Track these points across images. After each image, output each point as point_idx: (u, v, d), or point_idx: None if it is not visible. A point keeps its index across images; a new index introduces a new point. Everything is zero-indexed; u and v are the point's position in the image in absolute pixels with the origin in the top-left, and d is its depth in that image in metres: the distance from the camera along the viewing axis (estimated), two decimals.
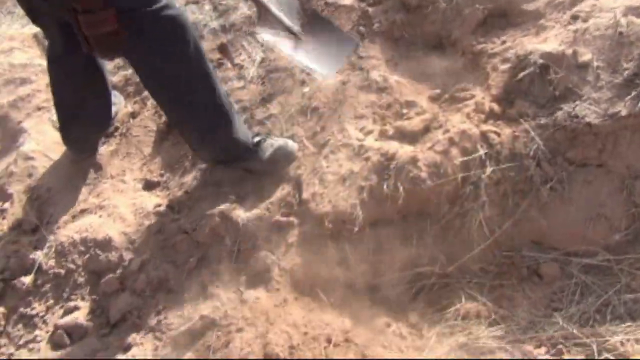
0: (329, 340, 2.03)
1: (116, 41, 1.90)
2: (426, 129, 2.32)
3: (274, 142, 2.46)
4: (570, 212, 2.16)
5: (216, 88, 2.27)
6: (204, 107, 2.26)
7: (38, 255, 2.41)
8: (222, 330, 2.10)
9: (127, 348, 2.17)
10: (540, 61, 2.25)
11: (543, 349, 1.96)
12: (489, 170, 2.14)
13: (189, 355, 2.07)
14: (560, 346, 1.94)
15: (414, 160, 2.20)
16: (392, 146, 2.30)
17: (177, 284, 2.28)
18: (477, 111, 2.27)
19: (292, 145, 2.47)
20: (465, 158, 2.17)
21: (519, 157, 2.16)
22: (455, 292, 2.13)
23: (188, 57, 2.14)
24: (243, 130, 2.41)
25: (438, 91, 2.51)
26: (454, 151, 2.18)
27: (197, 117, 2.27)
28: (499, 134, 2.19)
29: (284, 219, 2.30)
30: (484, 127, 2.21)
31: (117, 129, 2.78)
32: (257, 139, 2.45)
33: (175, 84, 2.19)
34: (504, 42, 2.47)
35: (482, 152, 2.16)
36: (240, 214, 2.35)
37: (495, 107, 2.27)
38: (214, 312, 2.15)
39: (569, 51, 2.23)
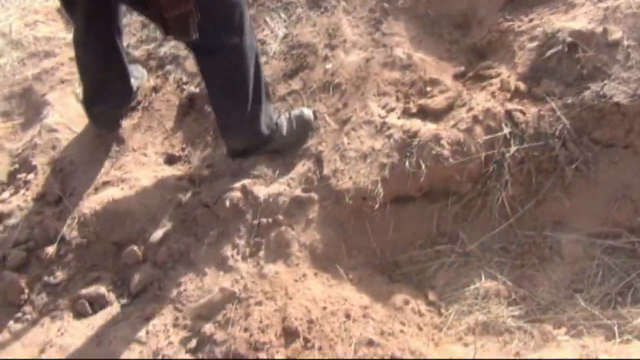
0: (347, 316, 2.04)
1: (191, 21, 1.93)
2: (450, 107, 2.30)
3: (289, 116, 2.46)
4: (594, 193, 2.13)
5: (262, 77, 2.29)
6: (252, 94, 2.27)
7: (61, 226, 2.44)
8: (242, 304, 2.11)
9: (147, 318, 2.20)
10: (569, 39, 2.21)
11: (563, 330, 1.95)
12: (513, 149, 2.12)
13: (208, 326, 2.09)
14: (580, 327, 1.93)
15: (437, 138, 2.18)
16: (415, 124, 2.28)
17: (198, 256, 2.30)
18: (503, 89, 2.24)
19: (307, 113, 2.46)
20: (489, 136, 2.14)
21: (544, 136, 2.13)
22: (475, 270, 2.12)
23: (246, 43, 2.16)
24: (270, 115, 2.42)
25: (462, 69, 2.48)
26: (478, 129, 2.16)
27: (244, 103, 2.27)
28: (524, 113, 2.16)
29: (305, 194, 2.31)
30: (509, 106, 2.18)
31: (139, 102, 2.79)
32: (273, 119, 2.45)
33: (233, 67, 2.20)
34: (531, 20, 2.43)
35: (506, 130, 2.13)
36: (261, 189, 2.36)
37: (521, 85, 2.24)
38: (233, 285, 2.17)
39: (599, 29, 2.18)
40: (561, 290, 2.07)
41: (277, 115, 2.46)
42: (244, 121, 2.32)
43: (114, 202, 2.44)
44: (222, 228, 2.33)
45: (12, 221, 2.50)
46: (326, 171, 2.33)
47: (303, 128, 2.46)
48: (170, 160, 2.65)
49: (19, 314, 2.29)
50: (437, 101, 2.33)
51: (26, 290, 2.33)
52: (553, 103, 2.16)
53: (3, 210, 2.54)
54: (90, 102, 2.56)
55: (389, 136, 2.28)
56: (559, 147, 2.12)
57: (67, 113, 2.81)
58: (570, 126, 2.12)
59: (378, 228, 2.22)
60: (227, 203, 2.31)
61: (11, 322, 2.27)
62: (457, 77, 2.46)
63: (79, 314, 2.26)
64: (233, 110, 2.31)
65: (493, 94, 2.24)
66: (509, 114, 2.16)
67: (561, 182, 2.15)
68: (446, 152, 2.15)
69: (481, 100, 2.23)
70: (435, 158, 2.16)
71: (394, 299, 2.11)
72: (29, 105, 2.95)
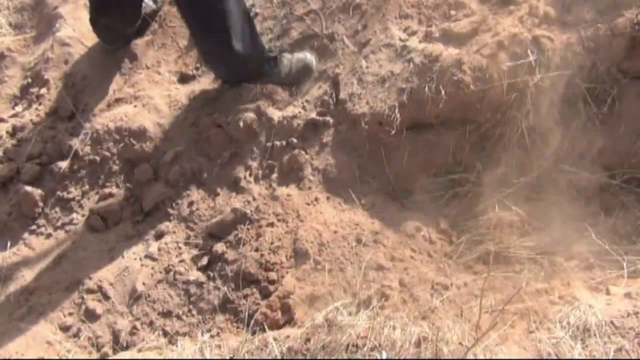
0: (358, 240, 2.04)
1: None
2: (474, 32, 2.20)
3: (291, 57, 2.40)
4: (618, 127, 2.07)
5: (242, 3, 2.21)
6: (232, 14, 2.17)
7: (74, 142, 2.43)
8: (253, 224, 2.12)
9: (159, 236, 2.23)
10: None
11: (573, 262, 1.94)
12: (537, 77, 2.04)
13: (219, 245, 2.11)
14: (591, 260, 1.92)
15: (458, 64, 2.11)
16: (437, 48, 2.20)
17: (210, 176, 2.29)
18: (531, 15, 2.14)
19: (310, 58, 2.40)
20: (514, 63, 2.06)
21: (571, 65, 2.04)
22: (489, 201, 2.09)
23: None
24: (260, 45, 2.35)
25: None
26: (502, 56, 2.08)
27: (226, 26, 2.18)
28: (552, 40, 2.07)
29: (320, 118, 2.26)
30: (537, 32, 2.08)
31: (155, 13, 2.70)
32: (272, 54, 2.38)
33: None
34: None
35: (532, 57, 2.05)
36: (276, 111, 2.32)
37: (551, 11, 2.13)
38: (245, 206, 2.17)
39: None
40: (574, 224, 2.05)
41: (274, 53, 2.39)
42: (226, 42, 2.23)
43: (126, 120, 2.42)
44: (235, 149, 2.31)
45: (25, 135, 2.50)
46: (342, 95, 2.28)
47: (302, 71, 2.39)
48: (184, 79, 2.60)
49: (34, 227, 2.33)
50: (461, 25, 2.24)
51: (40, 204, 2.36)
52: (583, 31, 2.06)
53: (16, 124, 2.53)
54: (95, 12, 2.50)
55: (409, 60, 2.21)
56: (585, 78, 2.04)
57: (79, 27, 2.74)
58: (599, 55, 2.03)
59: (393, 154, 2.19)
60: (241, 124, 2.28)
61: (26, 234, 2.31)
62: (483, 0, 2.34)
63: (92, 229, 2.29)
64: (213, 38, 2.25)
65: (520, 19, 2.14)
66: (536, 40, 2.07)
67: (584, 114, 2.08)
68: (467, 79, 2.08)
69: (507, 25, 2.14)
70: (456, 84, 2.09)
71: (406, 225, 2.11)
72: (41, 18, 2.88)
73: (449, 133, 2.17)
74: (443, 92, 2.10)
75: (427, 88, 2.12)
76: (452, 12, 2.32)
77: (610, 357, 1.46)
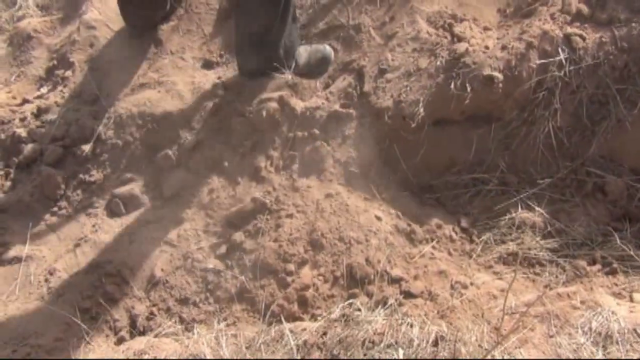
0: (377, 235, 2.02)
1: None
2: (503, 28, 2.16)
3: (308, 47, 2.39)
4: None
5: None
6: (281, 12, 2.19)
7: (97, 125, 2.44)
8: (273, 215, 2.11)
9: (179, 222, 2.23)
10: None
11: (596, 267, 1.91)
12: (566, 76, 2.00)
13: (238, 235, 2.10)
14: (615, 265, 1.89)
15: (486, 60, 2.07)
16: (464, 44, 2.16)
17: (231, 165, 2.29)
18: (563, 12, 2.09)
19: (328, 49, 2.39)
20: (543, 61, 2.02)
21: (602, 65, 2.00)
22: (512, 201, 2.06)
23: None
24: (293, 40, 2.33)
25: None
26: (532, 53, 2.04)
27: (271, 20, 2.18)
28: (583, 38, 2.02)
29: (343, 110, 2.24)
30: (569, 30, 2.04)
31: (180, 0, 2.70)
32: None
33: None
34: None
35: (562, 56, 2.01)
36: (299, 102, 2.30)
37: (584, 8, 2.08)
38: (265, 196, 2.16)
39: None
40: (599, 227, 2.02)
41: (298, 43, 2.38)
42: (265, 40, 2.24)
43: (150, 105, 2.42)
44: (257, 138, 2.30)
45: (49, 117, 2.51)
46: (367, 87, 2.25)
47: (320, 63, 2.38)
48: (208, 65, 2.59)
49: (55, 208, 2.34)
50: (490, 21, 2.20)
51: (62, 186, 2.37)
52: (616, 30, 2.01)
53: (41, 106, 2.55)
54: (123, 2, 2.50)
55: (436, 55, 2.18)
56: (616, 78, 1.99)
57: (105, 10, 2.75)
58: (632, 57, 1.99)
59: (415, 149, 2.16)
60: (264, 113, 2.27)
61: (48, 215, 2.33)
62: None
63: (113, 213, 2.30)
64: (257, 26, 2.23)
65: (552, 16, 2.10)
66: (567, 38, 2.03)
67: (613, 115, 2.04)
68: (495, 75, 2.04)
69: (538, 22, 2.09)
70: (483, 81, 2.06)
71: (426, 222, 2.09)
72: (68, 0, 2.89)
73: (474, 130, 2.14)
74: (469, 88, 2.06)
75: (453, 84, 2.09)
76: (481, 7, 2.28)
77: None
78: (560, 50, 2.01)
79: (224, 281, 2.02)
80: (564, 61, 2.00)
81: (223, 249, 2.10)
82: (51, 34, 2.85)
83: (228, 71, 2.53)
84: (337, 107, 2.25)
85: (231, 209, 2.19)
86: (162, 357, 1.71)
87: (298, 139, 2.25)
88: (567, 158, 2.10)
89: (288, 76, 2.34)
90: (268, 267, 1.99)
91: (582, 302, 1.67)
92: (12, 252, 2.21)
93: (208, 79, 2.51)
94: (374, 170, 2.19)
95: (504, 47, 2.09)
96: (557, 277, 1.85)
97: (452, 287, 1.79)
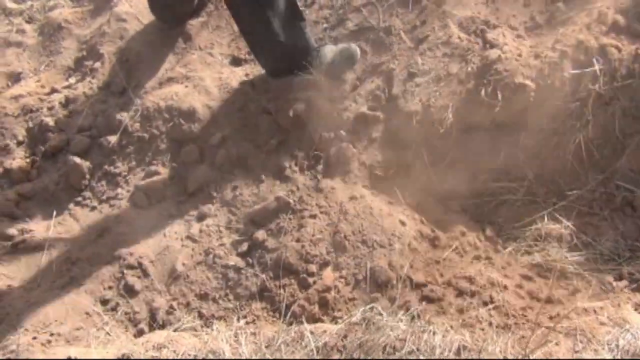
0: (401, 240, 2.00)
1: None
2: (537, 36, 2.14)
3: (333, 47, 2.37)
4: None
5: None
6: (278, 5, 2.17)
7: (124, 117, 2.45)
8: (296, 215, 2.11)
9: (201, 218, 2.23)
10: None
11: (623, 282, 1.88)
12: (600, 88, 1.96)
13: (261, 233, 2.10)
14: None
15: (518, 68, 2.04)
16: (496, 50, 2.14)
17: (255, 163, 2.29)
18: (599, 22, 2.06)
19: (354, 48, 2.36)
20: (577, 71, 1.99)
21: (637, 77, 1.96)
22: (539, 212, 2.04)
23: None
24: (306, 36, 2.33)
25: None
26: (566, 63, 2.01)
27: (277, 14, 2.17)
28: (619, 50, 1.99)
29: (371, 112, 2.23)
30: (604, 40, 2.01)
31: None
32: (315, 45, 2.36)
33: None
34: None
35: (597, 67, 1.97)
36: (326, 103, 2.29)
37: (620, 19, 2.05)
38: (289, 195, 2.15)
39: None
40: (626, 243, 1.98)
41: (318, 44, 2.37)
42: (267, 40, 2.25)
43: (177, 99, 2.42)
44: (283, 137, 2.30)
45: (77, 107, 2.53)
46: (395, 91, 2.24)
47: (346, 63, 2.36)
48: (236, 62, 2.59)
49: (79, 198, 2.36)
50: (524, 28, 2.17)
51: (87, 176, 2.39)
52: None
53: (69, 96, 2.57)
54: None
55: (467, 61, 2.16)
56: None
57: (136, 3, 2.76)
58: None
59: (442, 155, 2.14)
60: (291, 113, 2.27)
61: (72, 205, 2.34)
62: (549, 2, 2.26)
63: (136, 205, 2.31)
64: (248, 27, 2.25)
65: (588, 26, 2.06)
66: (602, 48, 1.99)
67: None
68: (526, 84, 2.02)
69: (573, 31, 2.06)
70: (514, 89, 2.03)
71: (450, 229, 2.07)
72: None
73: (502, 138, 2.11)
74: (500, 96, 2.04)
75: (483, 91, 2.07)
76: (514, 14, 2.25)
77: None
78: (595, 60, 1.98)
79: (245, 279, 2.02)
80: (598, 72, 1.97)
81: (245, 247, 2.09)
82: (81, 25, 2.87)
83: (256, 69, 2.53)
84: (364, 109, 2.24)
85: (254, 207, 2.19)
86: (182, 352, 1.71)
87: (324, 140, 2.24)
88: (596, 171, 2.06)
89: (315, 76, 2.33)
90: (289, 266, 1.98)
91: (609, 319, 1.64)
92: (36, 240, 2.23)
93: (235, 75, 2.51)
94: (399, 174, 2.17)
95: (537, 56, 2.06)
96: (583, 291, 1.81)
97: (476, 295, 1.77)
